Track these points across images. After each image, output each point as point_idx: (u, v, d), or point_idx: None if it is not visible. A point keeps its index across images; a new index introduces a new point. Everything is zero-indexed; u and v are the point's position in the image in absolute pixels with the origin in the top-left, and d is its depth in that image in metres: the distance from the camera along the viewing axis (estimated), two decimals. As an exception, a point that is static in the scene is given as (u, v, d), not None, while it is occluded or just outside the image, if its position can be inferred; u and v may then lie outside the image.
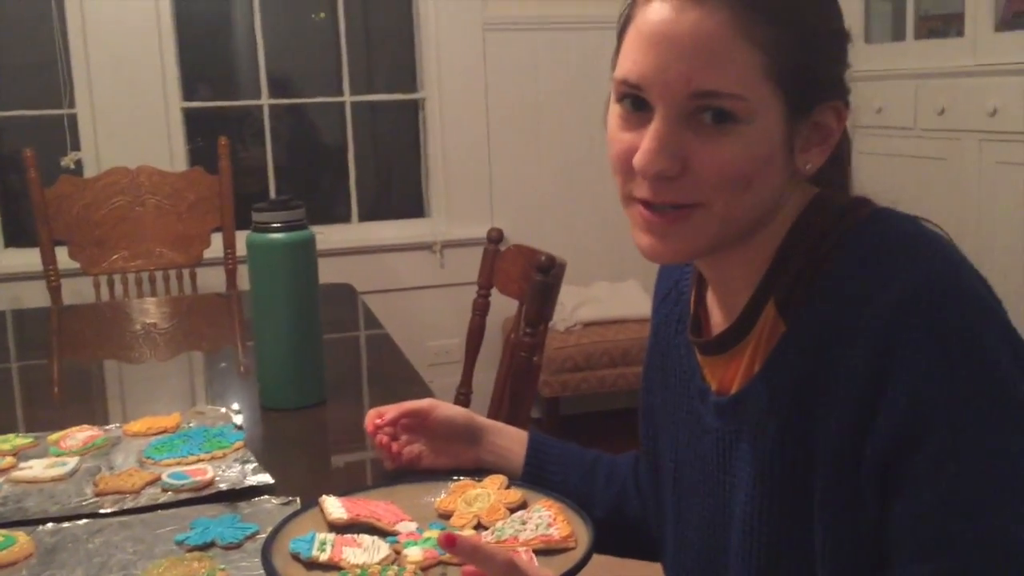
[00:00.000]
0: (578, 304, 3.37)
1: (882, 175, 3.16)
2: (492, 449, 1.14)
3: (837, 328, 0.73)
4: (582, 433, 3.73)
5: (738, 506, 0.84)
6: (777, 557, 0.80)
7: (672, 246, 0.79)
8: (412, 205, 3.74)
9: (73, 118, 3.26)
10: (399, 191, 3.88)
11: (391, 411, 1.12)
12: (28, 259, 2.98)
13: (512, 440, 1.14)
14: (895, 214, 0.79)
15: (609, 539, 1.00)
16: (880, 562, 0.73)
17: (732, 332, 0.83)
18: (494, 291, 2.06)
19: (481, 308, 2.08)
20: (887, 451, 0.70)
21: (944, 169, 2.89)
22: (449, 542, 0.74)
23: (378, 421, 1.12)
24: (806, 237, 0.79)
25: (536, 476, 1.11)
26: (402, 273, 3.55)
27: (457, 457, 1.14)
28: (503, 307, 2.23)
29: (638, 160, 0.76)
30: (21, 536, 1.00)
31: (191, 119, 3.40)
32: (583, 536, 0.94)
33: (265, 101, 3.48)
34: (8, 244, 3.29)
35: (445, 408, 1.14)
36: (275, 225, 1.37)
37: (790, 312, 0.78)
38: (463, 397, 2.07)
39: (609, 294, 3.48)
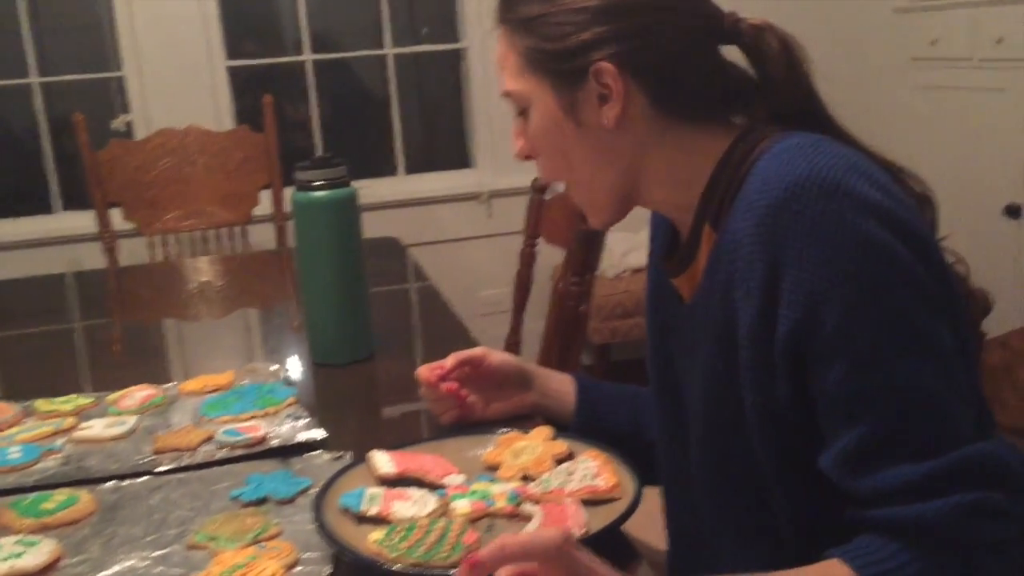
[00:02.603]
0: (627, 250, 3.36)
1: (939, 108, 3.07)
2: (545, 392, 1.18)
3: (743, 228, 0.83)
4: (632, 379, 3.73)
5: (696, 401, 0.94)
6: (725, 441, 0.90)
7: (589, 217, 0.99)
8: (458, 156, 3.73)
9: (121, 81, 3.29)
10: (444, 142, 3.87)
11: (448, 362, 1.15)
12: (84, 221, 3.04)
13: (561, 383, 1.20)
14: (801, 132, 0.87)
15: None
16: (813, 442, 0.81)
17: (684, 252, 0.95)
18: (542, 240, 2.05)
19: (528, 258, 2.07)
20: (795, 333, 0.79)
21: (1002, 100, 2.80)
22: (471, 565, 0.72)
23: (439, 371, 1.14)
24: (728, 166, 0.89)
25: (590, 414, 1.16)
26: (450, 224, 3.55)
27: (511, 402, 1.17)
28: (552, 255, 2.22)
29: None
30: (84, 495, 1.03)
31: (236, 77, 3.42)
32: (629, 487, 0.94)
33: (308, 57, 3.48)
34: (66, 207, 3.36)
35: (497, 355, 1.18)
36: (317, 183, 1.38)
37: (719, 224, 0.89)
38: (513, 346, 2.08)
39: (659, 239, 3.45)
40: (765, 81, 0.91)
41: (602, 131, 0.91)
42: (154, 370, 1.56)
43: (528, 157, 0.98)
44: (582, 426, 1.14)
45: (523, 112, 0.95)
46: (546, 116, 0.93)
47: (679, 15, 0.90)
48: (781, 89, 0.90)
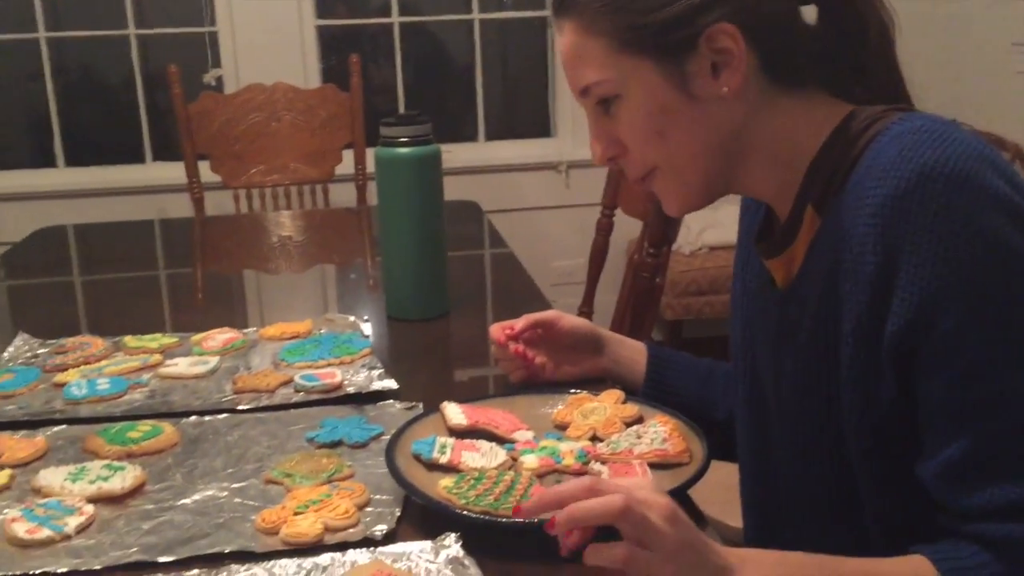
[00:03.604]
0: (704, 227, 3.32)
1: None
2: (615, 358, 1.18)
3: (856, 215, 0.78)
4: (704, 357, 3.69)
5: (784, 390, 0.91)
6: (814, 431, 0.87)
7: (670, 204, 0.93)
8: (539, 125, 3.72)
9: (214, 36, 3.36)
10: (526, 110, 3.86)
11: (519, 323, 1.15)
12: (173, 172, 3.12)
13: (633, 350, 1.18)
14: (926, 114, 0.82)
15: (730, 441, 1.06)
16: (910, 443, 0.78)
17: (782, 235, 0.90)
18: (619, 213, 2.04)
19: (605, 228, 2.07)
20: (905, 333, 0.75)
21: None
22: (516, 513, 0.79)
23: (509, 332, 1.14)
24: (838, 144, 0.84)
25: (658, 384, 1.15)
26: (527, 193, 3.56)
27: (581, 366, 1.17)
28: (628, 229, 2.21)
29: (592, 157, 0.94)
30: (167, 427, 1.07)
31: (324, 37, 3.47)
32: (698, 452, 0.94)
33: (395, 19, 3.51)
34: (155, 158, 3.45)
35: (569, 318, 1.18)
36: (402, 139, 1.40)
37: (824, 208, 0.84)
38: (585, 316, 2.08)
39: (736, 219, 3.40)
40: (846, 45, 0.87)
41: (716, 103, 0.84)
42: (233, 317, 1.60)
43: (610, 160, 0.92)
44: (649, 396, 1.13)
45: (606, 103, 0.88)
46: (650, 98, 0.85)
47: None
48: (863, 52, 0.86)
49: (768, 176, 0.89)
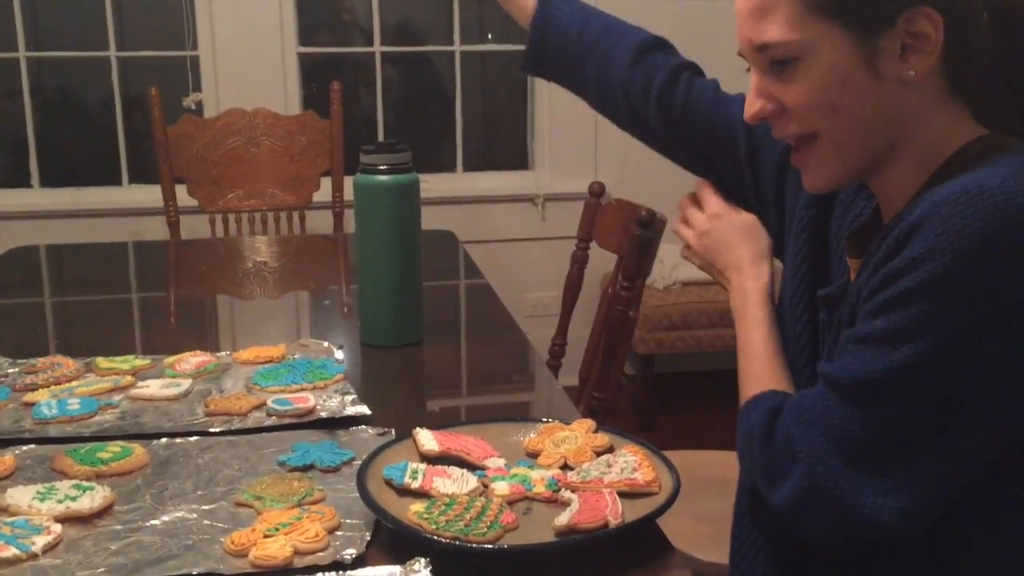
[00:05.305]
0: (678, 262, 3.35)
1: None
2: None
3: (905, 220, 0.79)
4: (676, 392, 3.72)
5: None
6: None
7: (817, 178, 0.91)
8: (517, 157, 3.75)
9: (195, 60, 3.37)
10: (504, 143, 3.90)
11: None
12: (149, 195, 3.12)
13: None
14: None
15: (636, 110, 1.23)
16: None
17: (874, 236, 0.88)
18: (594, 246, 2.07)
19: (579, 260, 2.09)
20: (870, 294, 0.81)
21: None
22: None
23: None
24: (956, 165, 0.83)
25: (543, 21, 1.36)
26: (504, 224, 3.58)
27: None
28: (602, 263, 2.24)
29: (744, 111, 0.91)
30: (137, 448, 1.07)
31: (306, 64, 3.49)
32: (667, 482, 0.95)
33: (377, 48, 3.53)
34: (132, 180, 3.45)
35: None
36: (381, 167, 1.41)
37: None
38: (558, 348, 2.09)
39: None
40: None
41: (896, 85, 0.83)
42: (205, 341, 1.60)
43: (763, 119, 0.90)
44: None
45: (781, 65, 0.85)
46: (834, 67, 0.83)
47: None
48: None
49: (906, 173, 0.87)
